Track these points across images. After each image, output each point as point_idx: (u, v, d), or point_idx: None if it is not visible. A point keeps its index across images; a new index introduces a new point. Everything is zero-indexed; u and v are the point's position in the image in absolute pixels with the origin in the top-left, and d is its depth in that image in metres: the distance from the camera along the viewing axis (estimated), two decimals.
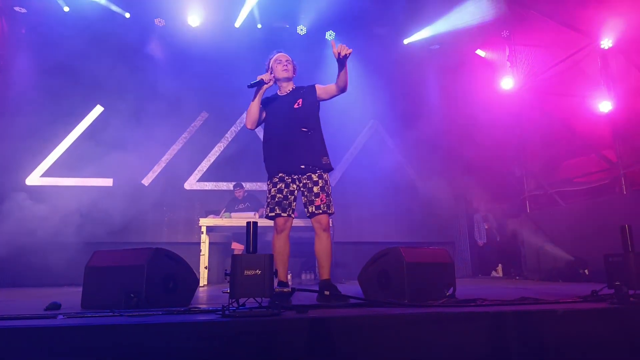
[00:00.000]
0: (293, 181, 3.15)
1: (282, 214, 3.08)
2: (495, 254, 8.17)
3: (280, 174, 3.15)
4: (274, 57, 3.30)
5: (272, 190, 3.15)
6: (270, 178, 3.21)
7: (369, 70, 8.08)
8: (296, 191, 3.16)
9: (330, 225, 3.28)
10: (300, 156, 3.12)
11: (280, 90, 3.34)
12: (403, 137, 8.42)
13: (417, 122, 8.33)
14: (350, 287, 4.71)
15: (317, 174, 3.12)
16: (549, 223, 6.34)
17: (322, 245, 3.10)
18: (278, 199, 3.10)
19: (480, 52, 8.80)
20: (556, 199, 6.78)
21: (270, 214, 3.11)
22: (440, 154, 8.34)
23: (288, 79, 3.30)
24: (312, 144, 3.16)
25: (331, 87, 3.23)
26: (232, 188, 7.26)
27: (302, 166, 3.11)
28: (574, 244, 5.80)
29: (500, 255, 8.08)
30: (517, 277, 7.04)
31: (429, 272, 2.87)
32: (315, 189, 3.09)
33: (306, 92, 3.28)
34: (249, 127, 3.28)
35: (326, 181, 3.15)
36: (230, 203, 6.94)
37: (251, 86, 3.14)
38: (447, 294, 2.86)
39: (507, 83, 7.85)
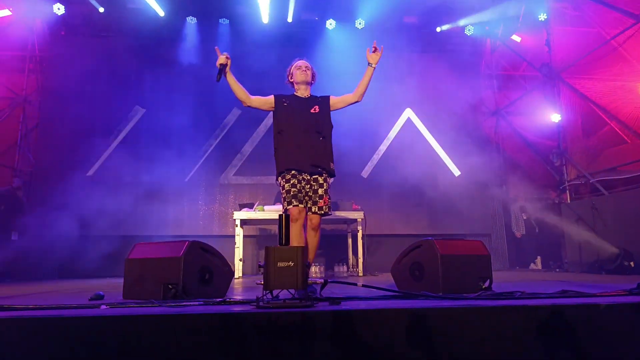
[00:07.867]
0: (303, 179, 3.40)
1: (299, 205, 3.30)
2: (534, 246, 7.94)
3: (292, 172, 3.36)
4: (295, 64, 3.60)
5: (286, 185, 3.35)
6: (281, 174, 3.41)
7: (402, 59, 7.96)
8: (307, 186, 3.40)
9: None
10: (313, 158, 3.38)
11: (297, 92, 3.60)
12: (438, 126, 8.25)
13: (452, 111, 8.16)
14: (383, 279, 4.69)
15: (322, 177, 3.40)
16: (591, 213, 6.09)
17: (311, 241, 3.37)
18: (293, 192, 3.32)
19: (515, 38, 8.51)
20: (599, 188, 6.51)
21: (288, 207, 3.30)
22: (477, 143, 8.13)
23: (306, 83, 3.55)
24: (324, 149, 3.44)
25: (347, 96, 3.55)
26: (265, 182, 7.36)
27: (313, 167, 3.37)
28: (618, 235, 5.56)
29: (539, 247, 7.85)
30: (557, 270, 6.82)
31: (464, 265, 2.82)
32: (320, 191, 3.38)
33: (321, 102, 3.55)
34: (244, 103, 3.51)
35: (329, 185, 3.44)
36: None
37: (219, 78, 3.36)
38: (483, 286, 2.80)
39: (545, 68, 7.55)
